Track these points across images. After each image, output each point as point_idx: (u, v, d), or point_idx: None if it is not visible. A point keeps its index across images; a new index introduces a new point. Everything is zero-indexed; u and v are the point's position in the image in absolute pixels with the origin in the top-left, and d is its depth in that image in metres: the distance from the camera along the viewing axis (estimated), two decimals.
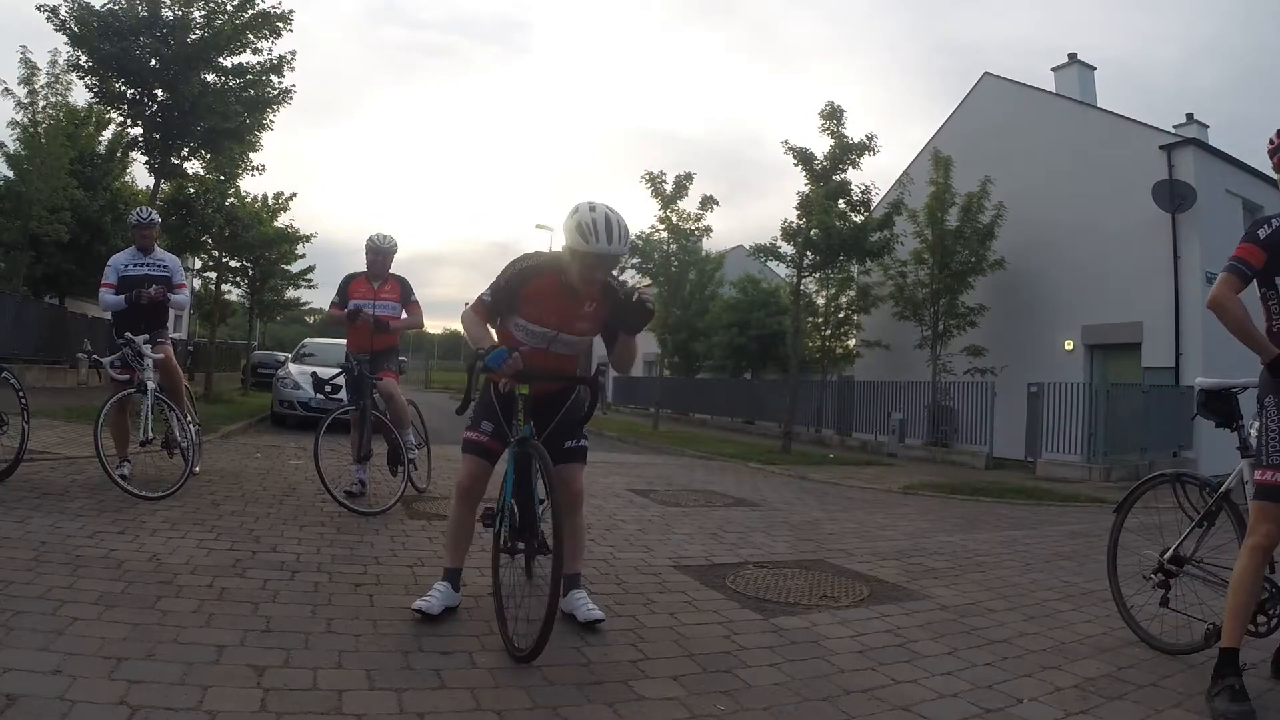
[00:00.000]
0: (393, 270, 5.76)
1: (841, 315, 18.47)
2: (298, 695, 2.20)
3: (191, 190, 14.27)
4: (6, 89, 13.47)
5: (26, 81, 13.85)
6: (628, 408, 25.86)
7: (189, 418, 5.42)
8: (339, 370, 5.48)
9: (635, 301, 2.86)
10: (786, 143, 13.88)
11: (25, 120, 14.21)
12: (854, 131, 13.64)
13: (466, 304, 3.31)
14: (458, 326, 64.19)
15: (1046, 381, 12.86)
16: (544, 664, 2.55)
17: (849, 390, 17.69)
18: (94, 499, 4.54)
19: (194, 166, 12.74)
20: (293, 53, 11.31)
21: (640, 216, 21.47)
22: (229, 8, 10.80)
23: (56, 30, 10.12)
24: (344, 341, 5.95)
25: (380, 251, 5.67)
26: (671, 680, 2.57)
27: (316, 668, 2.40)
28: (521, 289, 2.94)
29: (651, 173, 17.04)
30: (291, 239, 17.74)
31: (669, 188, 17.06)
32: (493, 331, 3.05)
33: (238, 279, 18.26)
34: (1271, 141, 2.74)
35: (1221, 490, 2.99)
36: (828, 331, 18.55)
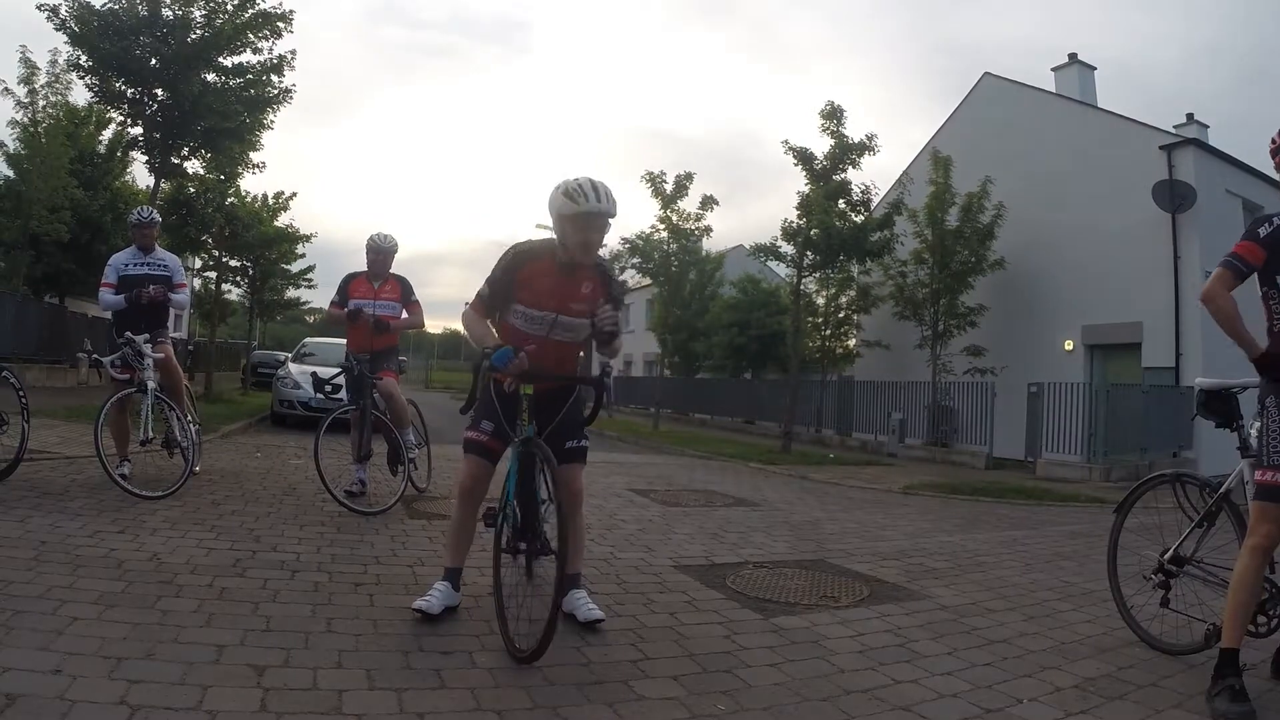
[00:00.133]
0: (393, 270, 5.76)
1: (841, 315, 18.47)
2: (298, 695, 2.20)
3: (191, 190, 14.27)
4: (6, 88, 13.49)
5: (26, 81, 13.86)
6: (628, 407, 25.86)
7: (189, 417, 5.42)
8: (339, 370, 5.48)
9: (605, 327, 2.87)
10: (787, 142, 13.91)
11: (25, 120, 14.21)
12: (854, 131, 13.68)
13: (466, 304, 3.31)
14: (458, 326, 64.34)
15: (1046, 381, 12.87)
16: (544, 664, 2.55)
17: (849, 390, 17.69)
18: (94, 498, 4.54)
19: (194, 166, 12.76)
20: (293, 52, 11.33)
21: (640, 216, 21.50)
22: (229, 7, 10.80)
23: (57, 30, 10.13)
24: (344, 341, 5.95)
25: (381, 251, 5.67)
26: (672, 680, 2.57)
27: (316, 667, 2.40)
28: (518, 273, 2.95)
29: (652, 172, 17.08)
30: (291, 238, 17.74)
31: (669, 188, 17.06)
32: (493, 330, 3.05)
33: (238, 278, 18.26)
34: (1274, 141, 2.75)
35: (1222, 491, 2.99)
36: (828, 331, 18.55)
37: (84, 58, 10.49)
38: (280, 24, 10.94)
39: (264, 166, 13.32)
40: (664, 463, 10.95)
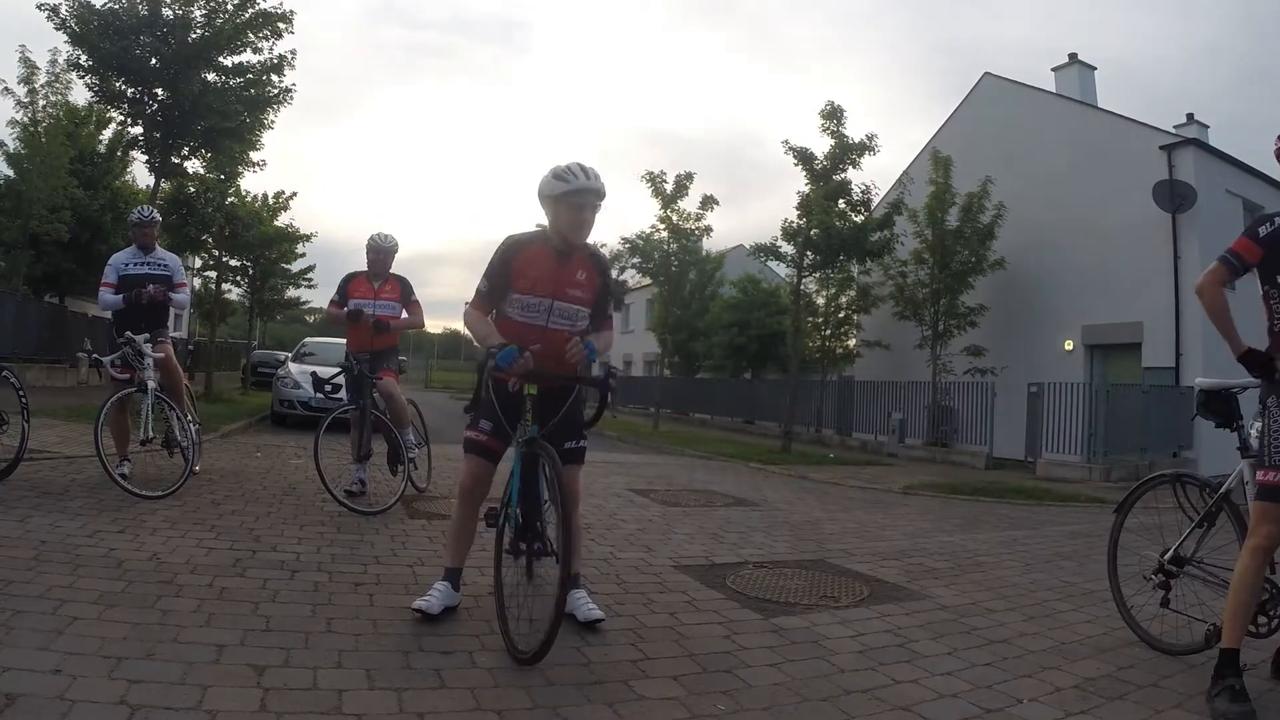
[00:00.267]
0: (393, 270, 5.76)
1: (841, 315, 18.46)
2: (298, 695, 2.20)
3: (192, 189, 14.28)
4: (6, 88, 13.49)
5: (26, 80, 13.86)
6: (628, 407, 25.86)
7: (189, 417, 5.42)
8: (339, 369, 5.48)
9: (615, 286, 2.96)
10: (787, 142, 13.91)
11: (25, 119, 14.21)
12: (854, 131, 13.68)
13: (466, 304, 3.31)
14: (458, 326, 64.34)
15: (1047, 381, 12.87)
16: (544, 664, 2.54)
17: (849, 390, 17.69)
18: (94, 498, 4.54)
19: (194, 166, 12.76)
20: (293, 52, 11.34)
21: (641, 216, 21.51)
22: (229, 7, 10.80)
23: (57, 29, 10.13)
24: (344, 341, 5.95)
25: (381, 251, 5.67)
26: (672, 680, 2.57)
27: (316, 667, 2.40)
28: (513, 262, 2.99)
29: (652, 172, 17.05)
30: (292, 238, 17.74)
31: (669, 187, 17.04)
32: (495, 329, 3.04)
33: (238, 278, 18.27)
34: (1279, 141, 2.75)
35: (1222, 491, 2.99)
36: (828, 331, 18.55)
37: (84, 57, 10.49)
38: (280, 24, 10.95)
39: (264, 165, 13.35)
40: (664, 463, 10.95)
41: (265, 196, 17.40)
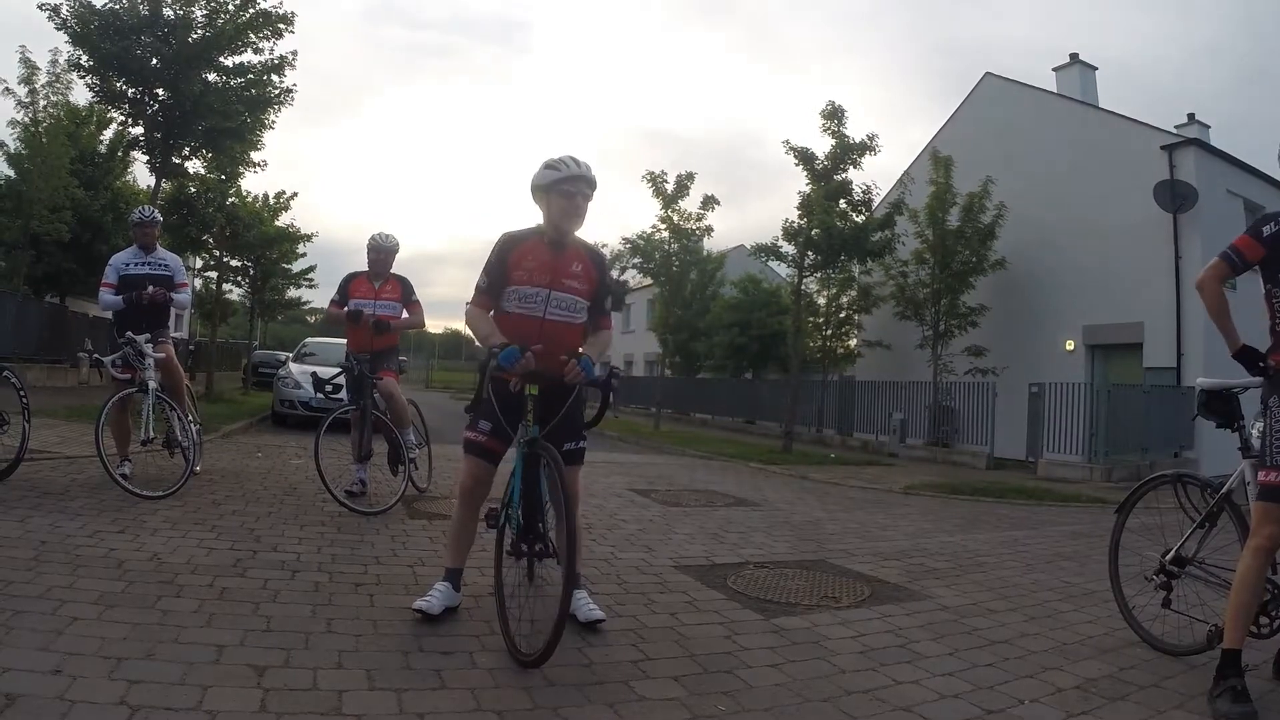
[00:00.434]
0: (394, 270, 5.76)
1: (842, 315, 18.46)
2: (298, 695, 2.19)
3: (192, 189, 14.29)
4: (7, 88, 13.51)
5: (27, 81, 13.88)
6: (629, 407, 25.86)
7: (190, 417, 5.42)
8: (339, 370, 5.47)
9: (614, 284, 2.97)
10: (788, 142, 13.89)
11: (26, 119, 14.23)
12: (855, 131, 13.69)
13: (467, 304, 3.31)
14: (459, 326, 64.33)
15: (1047, 382, 12.86)
16: (545, 664, 2.53)
17: (850, 390, 17.69)
18: (94, 498, 4.54)
19: (195, 166, 12.79)
20: (294, 52, 11.36)
21: (641, 216, 21.52)
22: (230, 7, 10.81)
23: (58, 29, 10.14)
24: (345, 341, 5.94)
25: (382, 251, 5.67)
26: (672, 680, 2.56)
27: (316, 668, 2.40)
28: (511, 255, 3.03)
29: (653, 172, 17.03)
30: (292, 238, 17.76)
31: (670, 187, 17.03)
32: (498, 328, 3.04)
33: (239, 278, 18.29)
34: None
35: (1223, 491, 2.98)
36: (829, 331, 18.54)
37: (85, 57, 10.50)
38: (281, 25, 10.96)
39: (265, 165, 13.37)
40: (665, 463, 10.94)
41: (266, 197, 17.45)
